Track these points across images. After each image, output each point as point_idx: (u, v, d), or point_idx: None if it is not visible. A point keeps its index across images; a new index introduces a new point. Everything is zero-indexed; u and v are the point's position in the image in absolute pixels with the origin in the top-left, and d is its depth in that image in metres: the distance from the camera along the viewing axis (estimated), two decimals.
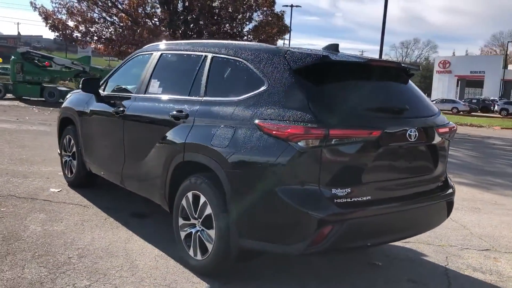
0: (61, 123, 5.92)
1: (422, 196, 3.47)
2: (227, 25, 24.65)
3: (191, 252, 3.60)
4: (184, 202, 3.66)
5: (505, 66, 68.81)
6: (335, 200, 2.94)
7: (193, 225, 3.61)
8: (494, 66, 65.12)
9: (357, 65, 3.31)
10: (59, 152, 6.10)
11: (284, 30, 25.37)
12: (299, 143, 2.88)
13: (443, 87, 74.20)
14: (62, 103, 6.23)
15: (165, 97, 4.12)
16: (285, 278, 3.63)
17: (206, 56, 3.84)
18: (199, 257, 3.52)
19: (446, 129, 3.60)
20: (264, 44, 3.69)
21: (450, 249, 4.57)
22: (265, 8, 24.58)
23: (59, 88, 20.42)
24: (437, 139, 3.50)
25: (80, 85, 5.09)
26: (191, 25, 24.00)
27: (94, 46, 24.46)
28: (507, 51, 79.68)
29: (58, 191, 5.53)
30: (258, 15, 24.69)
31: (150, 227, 4.60)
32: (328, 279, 3.70)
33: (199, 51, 3.97)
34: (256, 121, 3.10)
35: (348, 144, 2.98)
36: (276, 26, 24.39)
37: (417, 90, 3.66)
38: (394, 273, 3.92)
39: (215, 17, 23.74)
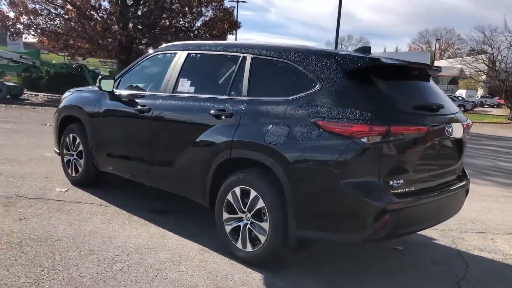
0: (61, 122, 5.82)
1: (451, 185, 3.87)
2: (180, 19, 24.45)
3: (239, 245, 3.77)
4: (230, 197, 3.82)
5: (432, 62, 72.88)
6: (392, 191, 3.25)
7: (240, 219, 3.78)
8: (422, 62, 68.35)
9: (400, 68, 3.61)
10: (58, 151, 6.00)
11: (235, 25, 25.57)
12: (362, 139, 3.15)
13: None
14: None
15: (199, 96, 4.23)
16: (327, 265, 3.90)
17: (245, 57, 3.99)
18: (249, 248, 3.71)
19: (468, 124, 4.02)
20: (309, 47, 3.90)
21: (453, 233, 5.04)
22: (215, 3, 24.65)
23: (6, 83, 19.36)
24: (463, 134, 3.91)
25: (98, 83, 5.05)
26: (142, 19, 23.60)
27: (38, 39, 23.40)
28: (435, 48, 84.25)
29: (65, 191, 5.46)
30: (209, 10, 24.70)
31: (176, 222, 4.69)
32: (360, 261, 4.02)
33: (235, 52, 4.12)
34: (314, 120, 3.33)
35: (402, 140, 3.28)
36: (228, 21, 24.53)
37: (440, 89, 4.04)
38: (417, 257, 4.30)
39: (167, 12, 23.47)
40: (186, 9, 23.71)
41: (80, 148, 5.53)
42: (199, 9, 24.20)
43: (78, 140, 5.55)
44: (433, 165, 3.71)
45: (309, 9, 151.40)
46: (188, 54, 4.53)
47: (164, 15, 23.85)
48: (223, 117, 3.90)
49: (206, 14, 24.76)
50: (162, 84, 4.61)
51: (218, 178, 3.94)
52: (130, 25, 22.99)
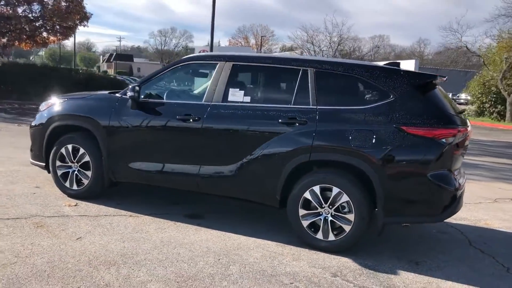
0: (52, 132, 5.42)
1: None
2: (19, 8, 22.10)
3: (319, 236, 4.32)
4: (307, 195, 4.32)
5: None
6: (455, 179, 4.19)
7: (318, 214, 4.32)
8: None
9: (439, 81, 4.51)
10: (41, 163, 5.56)
11: (86, 16, 24.12)
12: (443, 140, 4.02)
13: None
14: None
15: (259, 105, 4.59)
16: (392, 244, 4.68)
17: (305, 71, 4.49)
18: (331, 238, 4.28)
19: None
20: (371, 63, 4.58)
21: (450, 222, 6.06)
22: None
23: None
24: None
25: (132, 92, 4.88)
26: None
27: None
28: (261, 43, 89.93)
29: (75, 205, 5.18)
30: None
31: (224, 223, 4.94)
32: (408, 242, 4.91)
33: (293, 66, 4.58)
34: (397, 125, 4.07)
35: (460, 138, 4.22)
36: (78, 13, 23.07)
37: None
38: (424, 229, 5.34)
39: None
40: None
41: (86, 159, 5.27)
42: None
43: (82, 150, 5.28)
44: (459, 160, 4.73)
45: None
46: (234, 65, 4.80)
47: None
48: (296, 124, 4.36)
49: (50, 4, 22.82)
50: (206, 94, 4.79)
51: (291, 180, 4.40)
52: None
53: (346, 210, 4.23)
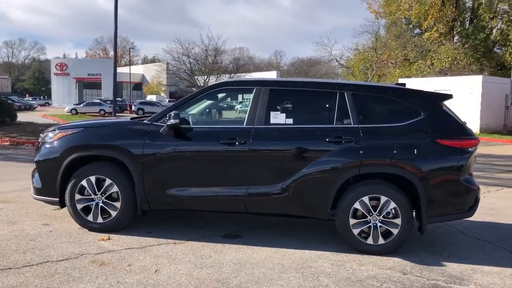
0: (68, 165, 5.11)
1: None
2: None
3: (369, 241, 4.82)
4: (357, 205, 4.80)
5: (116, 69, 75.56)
6: (475, 181, 5.03)
7: (367, 222, 4.83)
8: (108, 69, 66.72)
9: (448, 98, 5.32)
10: (53, 198, 5.20)
11: None
12: (469, 149, 4.82)
13: (63, 90, 75.18)
14: None
15: (303, 126, 4.96)
16: (413, 243, 5.34)
17: (343, 93, 4.98)
18: (381, 241, 4.81)
19: None
20: (398, 86, 5.20)
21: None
22: None
23: None
24: None
25: (174, 120, 4.83)
26: None
27: None
28: (131, 54, 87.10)
29: (109, 239, 4.96)
30: None
31: (265, 240, 5.18)
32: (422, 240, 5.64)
33: (329, 89, 5.06)
34: (433, 138, 4.77)
35: (476, 147, 5.06)
36: None
37: None
38: (453, 232, 6.01)
39: None
40: None
41: (114, 189, 5.08)
42: None
43: (109, 181, 5.07)
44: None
45: None
46: (271, 89, 5.08)
47: None
48: (343, 142, 4.82)
49: None
50: (247, 118, 5.00)
51: (340, 193, 4.85)
52: None
53: (391, 215, 4.80)
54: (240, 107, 16.83)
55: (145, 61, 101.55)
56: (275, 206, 5.02)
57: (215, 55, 40.47)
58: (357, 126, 4.90)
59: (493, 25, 39.25)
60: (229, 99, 5.92)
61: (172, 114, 4.89)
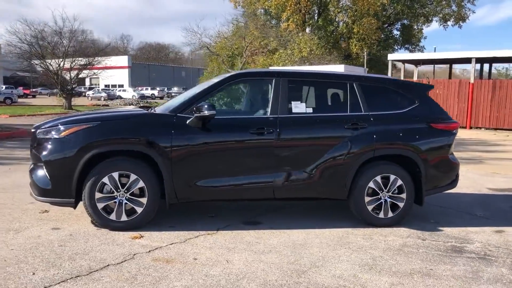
0: (87, 161, 4.77)
1: None
2: None
3: (381, 215, 5.46)
4: (371, 184, 5.39)
5: None
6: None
7: (379, 198, 5.45)
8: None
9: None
10: (68, 199, 4.84)
11: None
12: (454, 131, 5.73)
13: None
14: None
15: (323, 115, 5.39)
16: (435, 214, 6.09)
17: (352, 84, 5.50)
18: (390, 215, 5.49)
19: None
20: (394, 78, 5.81)
21: None
22: None
23: None
24: None
25: (210, 111, 4.77)
26: None
27: None
28: None
29: (141, 237, 4.79)
30: None
31: (287, 223, 5.50)
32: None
33: (341, 80, 5.51)
34: (427, 123, 5.57)
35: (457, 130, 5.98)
36: None
37: None
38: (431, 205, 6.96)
39: None
40: None
41: (139, 185, 4.89)
42: None
43: (134, 176, 4.87)
44: None
45: None
46: (290, 80, 5.36)
47: None
48: (358, 128, 5.34)
49: None
50: (270, 108, 5.21)
51: (357, 174, 5.38)
52: None
53: (397, 191, 5.48)
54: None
55: None
56: (301, 191, 5.35)
57: (70, 38, 37.41)
58: (368, 113, 5.47)
59: (339, 19, 43.63)
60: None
61: (206, 106, 4.88)
